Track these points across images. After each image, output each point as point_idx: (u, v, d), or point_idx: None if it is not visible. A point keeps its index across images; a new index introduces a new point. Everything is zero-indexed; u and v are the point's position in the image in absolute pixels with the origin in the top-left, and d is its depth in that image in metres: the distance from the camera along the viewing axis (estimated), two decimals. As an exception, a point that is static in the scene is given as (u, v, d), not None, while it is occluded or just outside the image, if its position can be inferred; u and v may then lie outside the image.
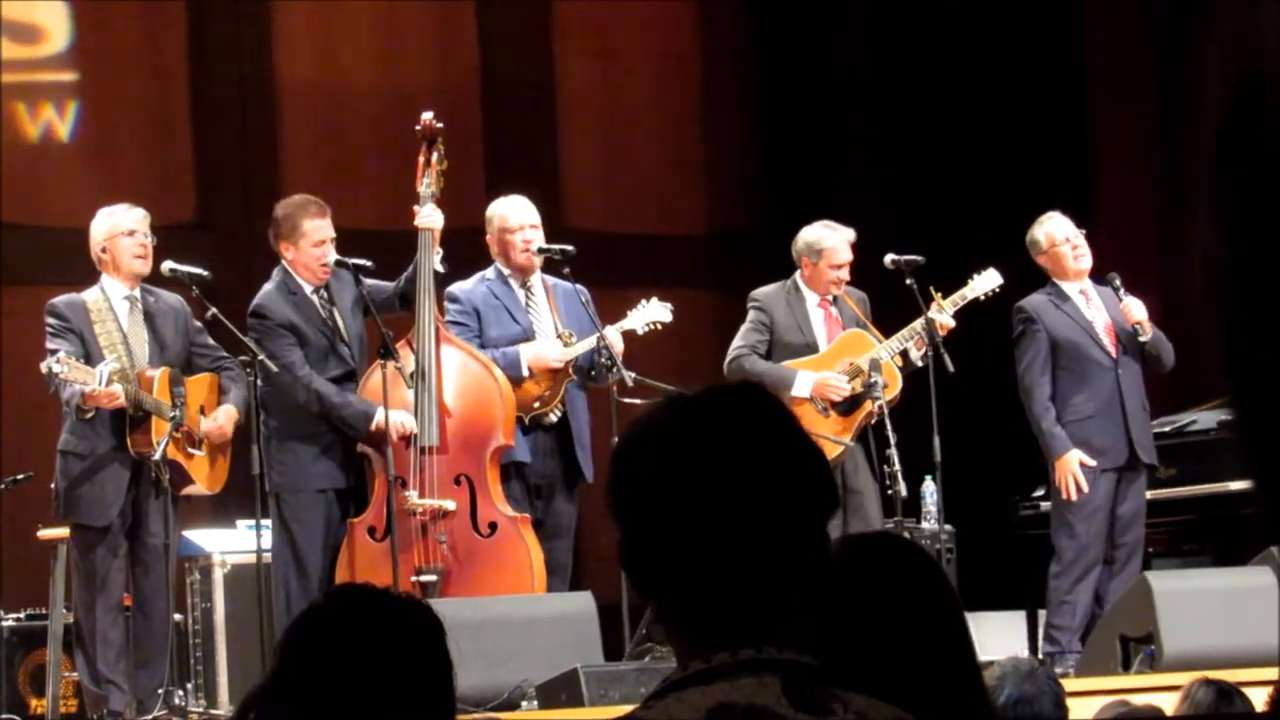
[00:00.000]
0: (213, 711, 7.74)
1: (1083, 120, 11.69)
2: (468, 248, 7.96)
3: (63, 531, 7.61)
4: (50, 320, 7.35)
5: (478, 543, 7.47)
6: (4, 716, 8.08)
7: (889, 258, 8.23)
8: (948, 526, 8.52)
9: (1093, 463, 8.05)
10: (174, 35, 10.46)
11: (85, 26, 10.28)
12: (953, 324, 8.19)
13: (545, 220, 7.98)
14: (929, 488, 8.48)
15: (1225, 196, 1.49)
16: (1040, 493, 8.94)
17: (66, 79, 10.30)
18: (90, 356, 7.25)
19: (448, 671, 2.38)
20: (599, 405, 7.89)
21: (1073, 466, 8.03)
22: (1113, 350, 8.19)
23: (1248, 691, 4.31)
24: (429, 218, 7.62)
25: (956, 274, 8.39)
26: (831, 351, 8.25)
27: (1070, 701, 4.11)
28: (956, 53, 11.30)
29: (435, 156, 7.71)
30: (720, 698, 1.86)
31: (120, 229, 7.46)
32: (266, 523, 7.47)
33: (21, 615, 8.33)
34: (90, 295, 7.43)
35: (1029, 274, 8.38)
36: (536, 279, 7.90)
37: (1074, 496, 8.03)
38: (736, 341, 8.31)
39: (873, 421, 8.11)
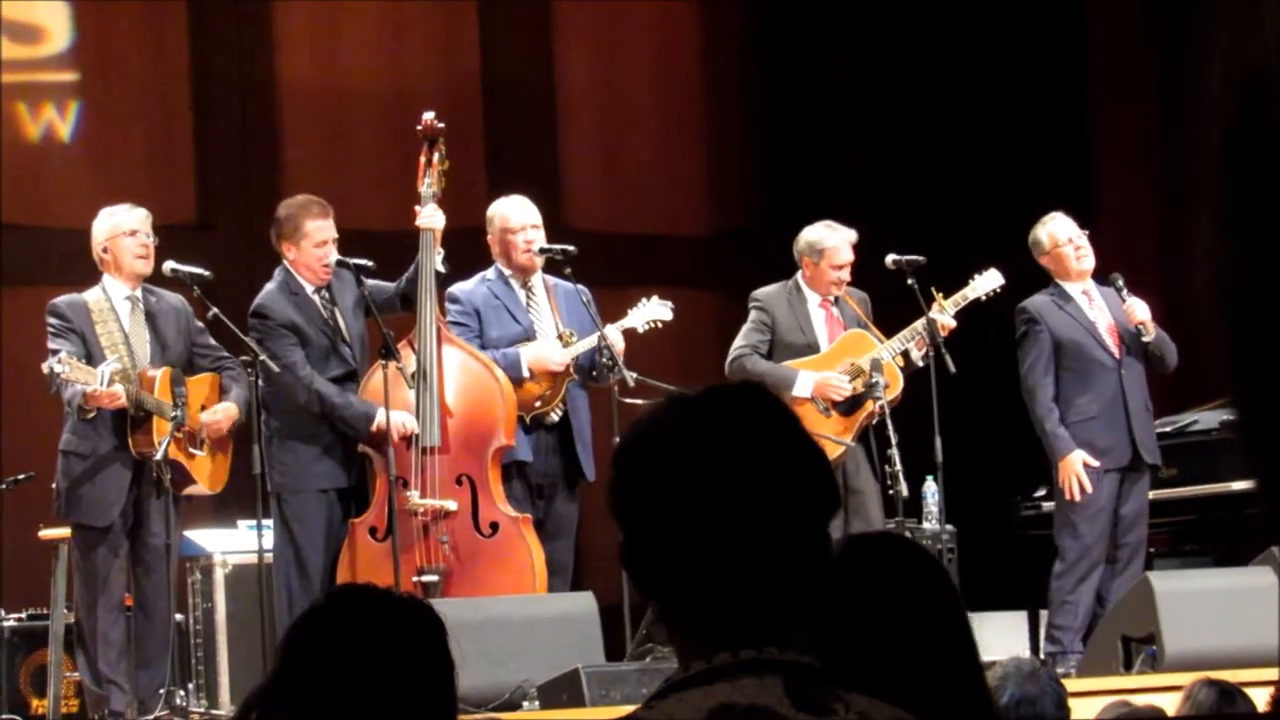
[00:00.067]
0: (214, 712, 7.74)
1: (1083, 120, 11.69)
2: (469, 248, 7.96)
3: (64, 531, 7.62)
4: (51, 320, 7.35)
5: (479, 543, 7.47)
6: (5, 716, 8.08)
7: (890, 258, 8.23)
8: (949, 527, 8.52)
9: (1096, 463, 8.05)
10: (175, 35, 10.46)
11: (86, 27, 10.27)
12: (954, 324, 8.19)
13: (546, 220, 7.98)
14: (930, 488, 8.48)
15: (1228, 197, 1.49)
16: (1041, 493, 8.94)
17: (68, 79, 10.30)
18: (91, 357, 7.25)
19: (449, 672, 2.38)
20: (600, 405, 7.89)
21: (1076, 467, 8.03)
22: (1116, 351, 8.19)
23: (1249, 692, 4.31)
24: (430, 218, 7.62)
25: (957, 274, 8.39)
26: (833, 351, 8.25)
27: (1072, 702, 4.11)
28: (956, 53, 11.30)
29: (437, 157, 7.71)
30: (722, 698, 1.86)
31: (122, 229, 7.46)
32: (268, 523, 7.47)
33: (23, 615, 8.34)
34: (92, 295, 7.43)
35: (1030, 274, 8.38)
36: (537, 279, 7.90)
37: (1077, 497, 8.03)
38: (738, 341, 8.32)
39: (874, 422, 8.11)
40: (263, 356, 7.32)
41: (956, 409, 8.13)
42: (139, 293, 7.49)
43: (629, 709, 1.95)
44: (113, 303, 7.43)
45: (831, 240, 8.26)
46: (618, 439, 2.04)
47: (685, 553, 1.91)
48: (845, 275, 8.28)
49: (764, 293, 8.35)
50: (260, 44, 10.66)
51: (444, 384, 7.55)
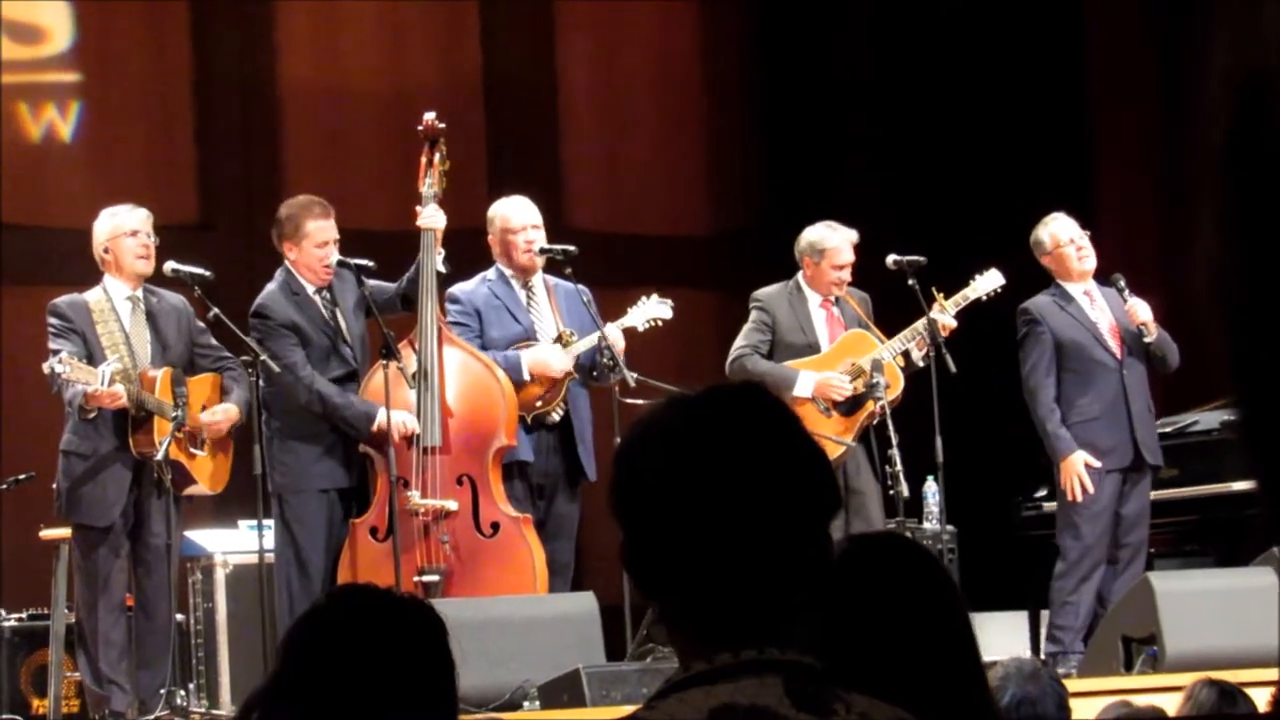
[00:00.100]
0: (215, 712, 7.74)
1: (1083, 120, 11.69)
2: (470, 248, 7.96)
3: (65, 532, 7.62)
4: (52, 320, 7.36)
5: (480, 543, 7.47)
6: (6, 717, 8.08)
7: (891, 258, 8.23)
8: (949, 527, 8.52)
9: (1098, 464, 8.05)
10: (176, 35, 10.46)
11: (88, 27, 10.28)
12: (954, 324, 8.19)
13: (547, 220, 7.98)
14: (931, 488, 8.48)
15: (1229, 198, 1.49)
16: (1042, 493, 8.94)
17: (69, 79, 10.30)
18: (92, 357, 7.25)
19: (450, 672, 2.38)
20: (601, 405, 7.89)
21: (1078, 468, 8.03)
22: (1117, 351, 8.19)
23: (1250, 692, 4.31)
24: (431, 218, 7.63)
25: (957, 274, 8.39)
26: (833, 352, 8.25)
27: (1072, 702, 4.11)
28: (956, 53, 11.30)
29: (438, 157, 7.71)
30: (723, 698, 1.86)
31: (123, 229, 7.46)
32: (268, 523, 7.47)
33: (23, 615, 8.34)
34: (92, 295, 7.43)
35: (1030, 274, 8.38)
36: (538, 279, 7.90)
37: (1079, 498, 8.03)
38: (738, 341, 8.32)
39: (875, 422, 8.11)
40: (263, 357, 7.32)
41: (957, 409, 8.13)
42: (140, 293, 7.49)
43: (630, 709, 1.95)
44: (113, 303, 7.43)
45: (833, 240, 8.26)
46: (618, 439, 2.04)
47: (686, 553, 1.91)
48: (846, 275, 8.28)
49: (765, 293, 8.35)
50: (261, 44, 10.67)
51: (445, 384, 7.55)
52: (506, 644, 6.68)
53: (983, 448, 9.16)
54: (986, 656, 2.54)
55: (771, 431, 1.95)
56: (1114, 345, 8.20)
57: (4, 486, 8.31)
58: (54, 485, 7.41)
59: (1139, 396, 8.16)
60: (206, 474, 7.48)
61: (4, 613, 8.33)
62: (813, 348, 8.26)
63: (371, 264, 7.61)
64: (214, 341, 7.65)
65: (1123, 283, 8.27)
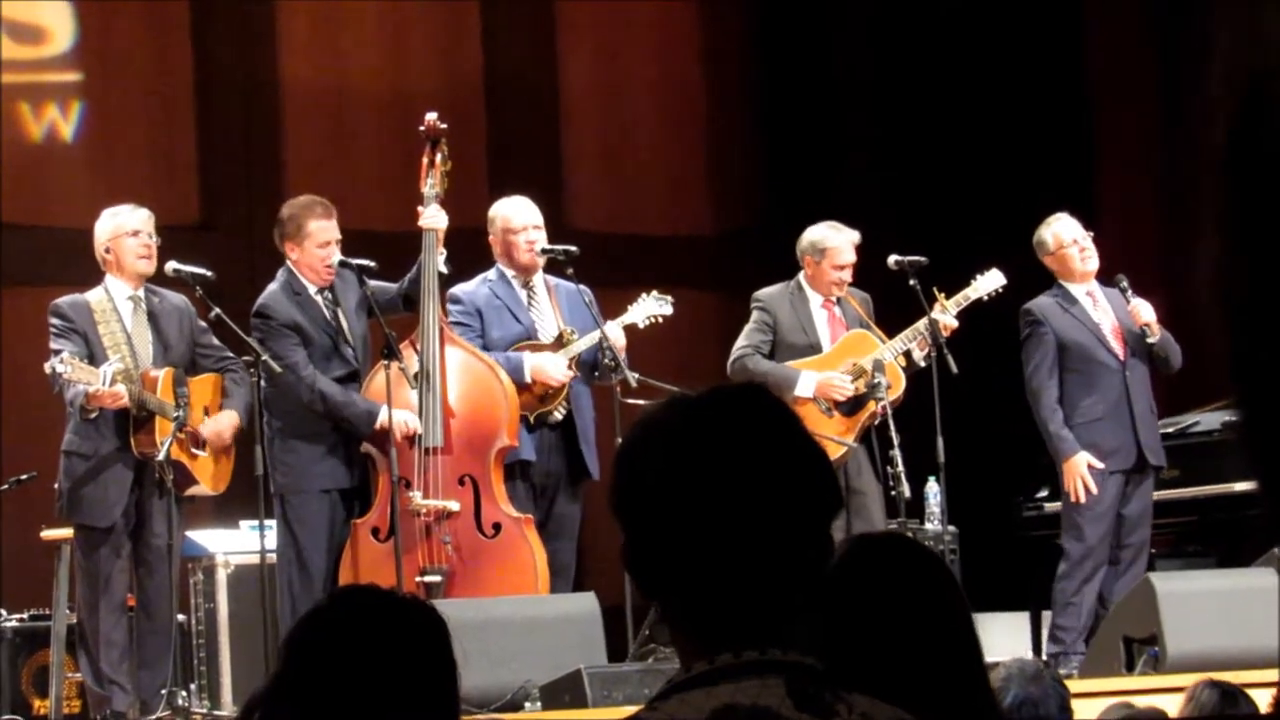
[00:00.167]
0: (216, 712, 7.74)
1: (1083, 120, 11.69)
2: (471, 248, 7.97)
3: (66, 532, 7.62)
4: (54, 320, 7.36)
5: (482, 543, 7.47)
6: (7, 717, 8.08)
7: (893, 258, 8.23)
8: (951, 527, 8.52)
9: (1100, 465, 8.04)
10: (178, 35, 10.46)
11: (89, 27, 10.28)
12: (956, 324, 8.19)
13: (548, 221, 7.99)
14: (932, 489, 8.48)
15: (1229, 198, 1.49)
16: (1044, 493, 8.94)
17: (70, 79, 10.30)
18: (94, 357, 7.25)
19: (452, 672, 2.38)
20: (602, 406, 7.90)
21: (1081, 469, 8.02)
22: (1120, 352, 8.19)
23: (1252, 693, 4.31)
24: (433, 218, 7.63)
25: (957, 274, 8.39)
26: (835, 352, 8.25)
27: (1074, 703, 4.11)
28: (956, 53, 11.30)
29: (439, 157, 7.71)
30: (724, 699, 1.86)
31: (124, 229, 7.47)
32: (270, 523, 7.47)
33: (25, 616, 8.33)
34: (94, 295, 7.43)
35: (1031, 274, 8.37)
36: (539, 278, 7.91)
37: (1082, 499, 8.03)
38: (740, 341, 8.32)
39: (876, 422, 8.11)
40: (265, 357, 7.32)
41: (958, 409, 8.13)
42: (141, 293, 7.49)
43: (631, 710, 1.96)
44: (115, 303, 7.43)
45: (834, 240, 8.26)
46: (620, 439, 2.04)
47: (687, 553, 1.91)
48: (847, 276, 8.28)
49: (766, 293, 8.35)
50: (262, 45, 10.67)
51: (447, 385, 7.55)
52: (508, 644, 6.68)
53: (984, 448, 9.16)
54: (988, 657, 2.54)
55: (773, 432, 1.95)
56: (1117, 346, 8.19)
57: (5, 487, 8.31)
58: (55, 485, 7.41)
59: (1142, 397, 8.16)
60: (208, 474, 7.48)
61: (5, 613, 8.33)
62: (814, 348, 8.26)
63: (373, 264, 7.62)
64: (216, 341, 7.65)
65: (1126, 283, 8.26)
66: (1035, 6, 11.38)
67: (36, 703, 8.21)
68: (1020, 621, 8.88)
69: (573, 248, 7.83)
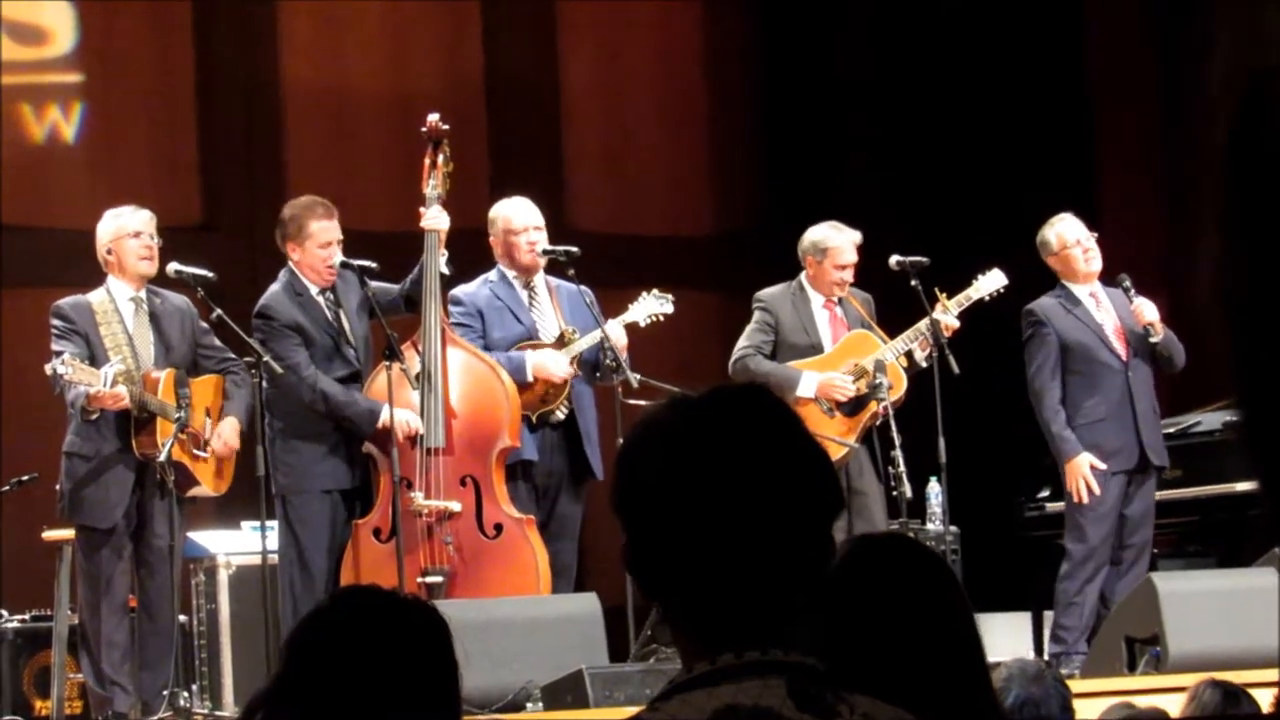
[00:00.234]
0: (217, 713, 7.74)
1: (1084, 120, 11.69)
2: (472, 249, 7.97)
3: (68, 533, 7.62)
4: (55, 322, 7.36)
5: (483, 544, 7.48)
6: (9, 718, 8.09)
7: (894, 259, 8.23)
8: (953, 528, 8.52)
9: (1103, 466, 8.04)
10: (179, 36, 10.46)
11: (91, 28, 10.28)
12: (957, 324, 8.19)
13: (549, 221, 7.99)
14: (934, 489, 8.48)
15: (1230, 198, 1.49)
16: (1045, 494, 8.94)
17: (72, 80, 10.30)
18: (95, 358, 7.25)
19: (453, 673, 2.38)
20: (603, 406, 7.90)
21: (1083, 470, 8.02)
22: (1123, 353, 8.18)
23: (1254, 693, 4.31)
24: (435, 219, 7.63)
25: (958, 274, 8.39)
26: (836, 352, 8.25)
27: (1076, 703, 4.11)
28: (957, 53, 11.31)
29: (441, 158, 7.72)
30: (726, 700, 1.86)
31: (126, 230, 7.47)
32: (271, 524, 7.47)
33: (26, 616, 8.33)
34: (96, 297, 7.44)
35: (1032, 274, 8.37)
36: (539, 278, 7.91)
37: (1085, 500, 8.03)
38: (741, 342, 8.32)
39: (878, 423, 8.10)
40: (266, 357, 7.32)
41: (960, 410, 8.13)
42: (143, 294, 7.50)
43: (633, 710, 1.96)
44: (117, 304, 7.43)
45: (836, 240, 8.26)
46: (621, 440, 2.05)
47: (688, 554, 1.91)
48: (848, 276, 8.28)
49: (768, 293, 8.35)
50: (264, 45, 10.67)
51: (448, 385, 7.55)
52: (510, 645, 6.68)
53: (986, 448, 9.16)
54: (990, 657, 2.54)
55: (774, 433, 1.95)
56: (1119, 347, 8.19)
57: (6, 488, 8.31)
58: (57, 487, 7.41)
59: (1144, 398, 8.15)
60: (209, 475, 7.48)
61: (7, 614, 8.33)
62: (816, 348, 8.26)
63: (375, 265, 7.62)
64: (217, 342, 7.65)
65: (1128, 283, 8.25)
66: (1035, 6, 11.38)
67: (38, 703, 8.21)
68: (1022, 622, 8.88)
69: (574, 248, 7.83)
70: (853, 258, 8.27)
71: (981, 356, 8.30)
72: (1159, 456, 8.17)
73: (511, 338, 7.80)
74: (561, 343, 7.81)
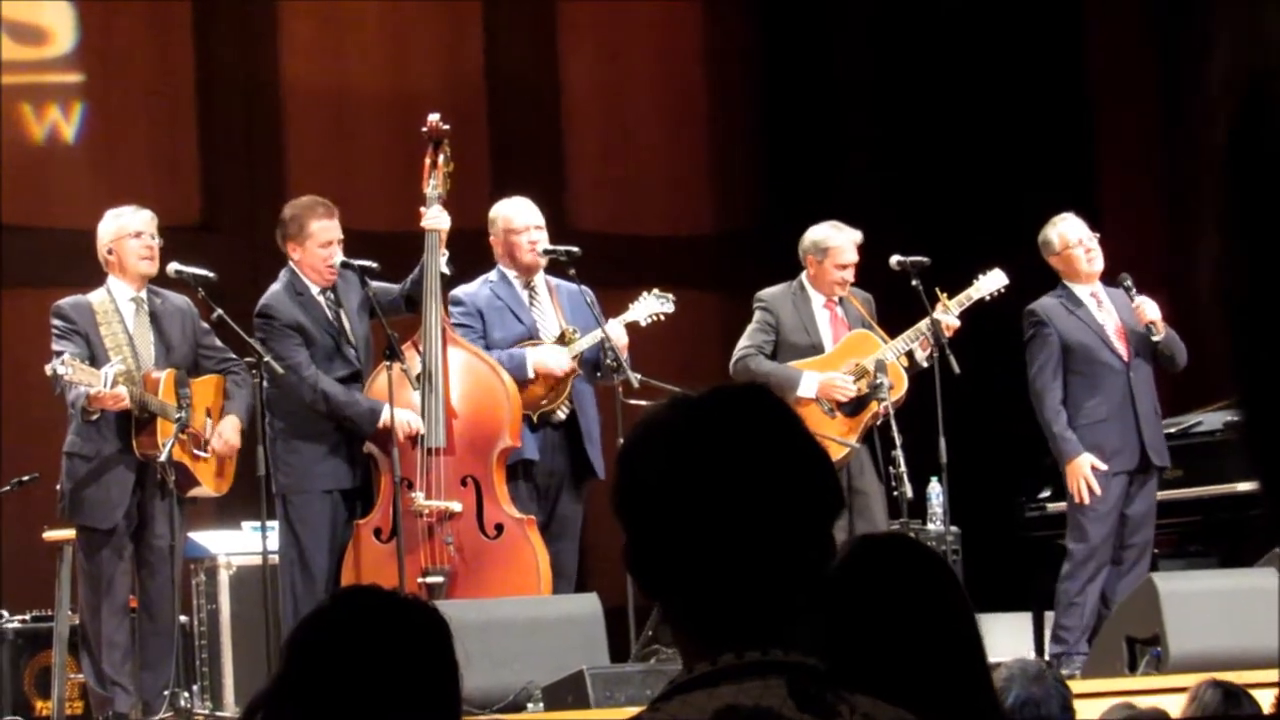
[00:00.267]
0: (218, 713, 7.74)
1: (1084, 120, 11.69)
2: (473, 249, 7.97)
3: (68, 533, 7.62)
4: (56, 322, 7.36)
5: (484, 544, 7.48)
6: (9, 718, 8.09)
7: (895, 259, 8.23)
8: (953, 528, 8.52)
9: (1104, 467, 8.04)
10: (179, 36, 10.46)
11: (91, 28, 10.28)
12: (958, 324, 8.19)
13: (550, 221, 7.99)
14: (935, 489, 8.48)
15: (1229, 198, 1.49)
16: (1046, 494, 8.93)
17: (72, 80, 10.30)
18: (96, 358, 7.25)
19: (454, 673, 2.38)
20: (604, 406, 7.90)
21: (1084, 470, 8.02)
22: (1124, 353, 8.18)
23: (1254, 693, 4.30)
24: (436, 219, 7.63)
25: (958, 274, 8.39)
26: (837, 352, 8.25)
27: (1077, 703, 4.11)
28: (957, 53, 11.31)
29: (442, 158, 7.72)
30: (726, 700, 1.86)
31: (127, 230, 7.47)
32: (272, 524, 7.47)
33: (27, 617, 8.33)
34: (96, 297, 7.44)
35: (1033, 274, 8.37)
36: (540, 279, 7.91)
37: (1086, 500, 8.03)
38: (742, 342, 8.32)
39: (878, 423, 8.10)
40: (267, 357, 7.32)
41: (961, 410, 8.13)
42: (144, 294, 7.50)
43: (633, 711, 1.96)
44: (117, 304, 7.44)
45: (836, 240, 8.26)
46: (622, 440, 2.05)
47: (688, 554, 1.91)
48: (849, 275, 8.28)
49: (769, 293, 8.35)
50: (264, 45, 10.67)
51: (449, 385, 7.55)
52: (510, 645, 6.68)
53: (987, 448, 9.16)
54: (991, 658, 2.54)
55: (774, 433, 1.95)
56: (1120, 347, 8.18)
57: (7, 488, 8.31)
58: (57, 487, 7.42)
59: (1146, 398, 8.15)
60: (210, 476, 7.48)
61: (7, 614, 8.33)
62: (816, 348, 8.26)
63: (375, 265, 7.62)
64: (218, 343, 7.65)
65: (1129, 281, 8.25)
66: (1035, 6, 11.38)
67: (39, 704, 8.21)
68: (1023, 622, 8.88)
69: (575, 249, 7.83)
70: (854, 257, 8.27)
71: (982, 356, 8.30)
72: (1160, 457, 8.16)
73: (512, 338, 7.80)
74: (562, 342, 7.81)
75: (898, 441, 7.89)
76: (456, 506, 7.46)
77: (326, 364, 7.53)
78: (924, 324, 8.14)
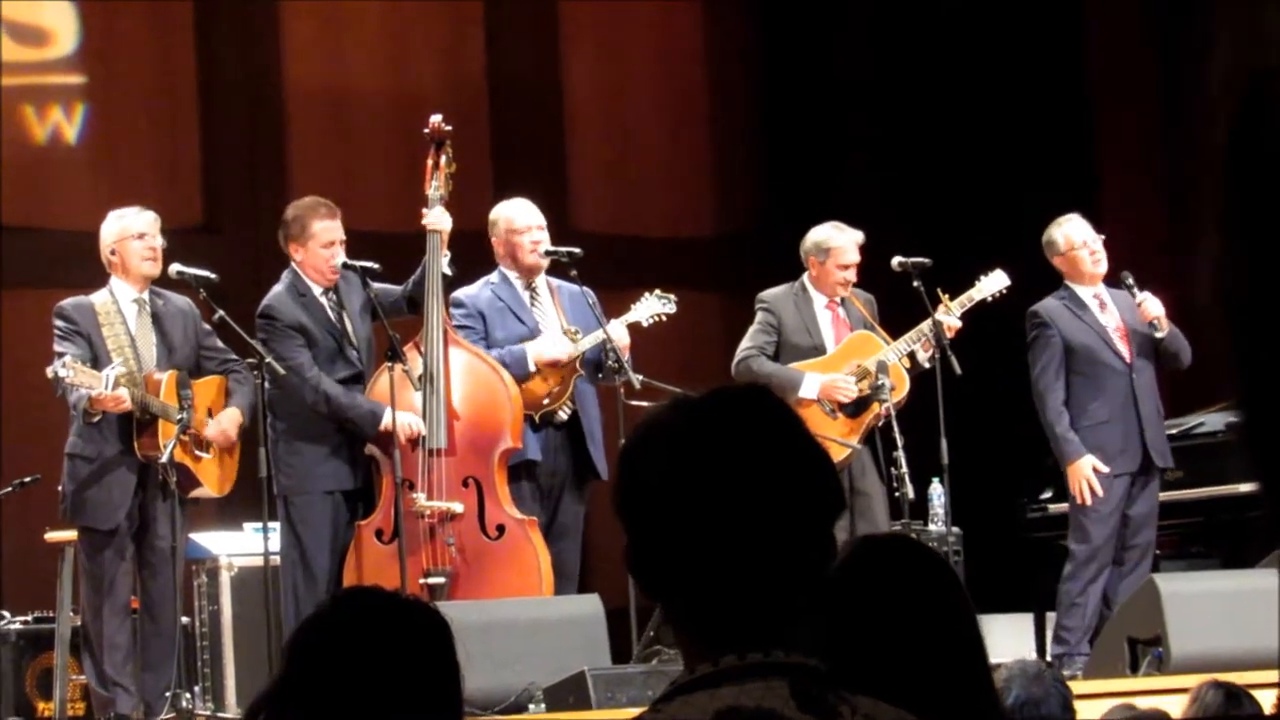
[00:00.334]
0: (220, 714, 7.74)
1: (1084, 120, 11.69)
2: (475, 250, 7.97)
3: (70, 534, 7.62)
4: (58, 323, 7.36)
5: (485, 545, 7.48)
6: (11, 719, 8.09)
7: (896, 260, 8.22)
8: (955, 529, 8.52)
9: (1106, 468, 8.03)
10: (181, 37, 10.47)
11: (92, 29, 10.29)
12: (960, 325, 8.18)
13: (551, 222, 7.99)
14: (936, 490, 8.48)
15: (1229, 198, 1.49)
16: (1048, 495, 8.93)
17: (74, 81, 10.31)
18: (98, 359, 7.26)
19: (455, 674, 2.38)
20: (606, 406, 7.90)
21: (1086, 472, 8.02)
22: (1127, 355, 8.18)
23: (1256, 694, 4.30)
24: (437, 220, 7.63)
25: (959, 275, 8.39)
26: (839, 353, 8.24)
27: (1077, 704, 4.11)
28: (957, 53, 11.31)
29: (444, 159, 7.72)
30: (728, 701, 1.86)
31: (130, 232, 7.47)
32: (274, 525, 7.47)
33: (29, 618, 8.33)
34: (98, 298, 7.44)
35: (1034, 274, 8.37)
36: (541, 280, 7.92)
37: (1088, 501, 8.03)
38: (744, 343, 8.32)
39: (880, 424, 8.10)
40: (269, 358, 7.32)
41: (962, 411, 8.13)
42: (146, 295, 7.50)
43: (635, 711, 1.96)
44: (119, 305, 7.44)
45: (838, 240, 8.26)
46: (623, 441, 2.05)
47: (690, 555, 1.91)
48: (851, 276, 8.28)
49: (770, 294, 8.35)
50: (266, 47, 10.67)
51: (451, 386, 7.55)
52: (512, 646, 6.68)
53: (988, 449, 9.15)
54: (992, 658, 2.54)
55: (775, 434, 1.95)
56: (1123, 348, 8.18)
57: (9, 489, 8.32)
58: (59, 488, 7.42)
59: (1148, 399, 8.15)
60: (212, 477, 7.48)
61: (9, 615, 8.33)
62: (818, 349, 8.26)
63: (377, 266, 7.62)
64: (220, 344, 7.65)
65: (1131, 279, 8.24)
66: (1035, 6, 11.38)
67: (40, 705, 8.21)
68: (1024, 623, 8.88)
69: (577, 250, 7.83)
70: (855, 257, 8.27)
71: (984, 357, 8.30)
72: (1163, 458, 8.16)
73: (513, 339, 7.80)
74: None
75: (899, 442, 7.89)
76: (458, 507, 7.46)
77: (329, 365, 7.53)
78: (926, 325, 8.14)
